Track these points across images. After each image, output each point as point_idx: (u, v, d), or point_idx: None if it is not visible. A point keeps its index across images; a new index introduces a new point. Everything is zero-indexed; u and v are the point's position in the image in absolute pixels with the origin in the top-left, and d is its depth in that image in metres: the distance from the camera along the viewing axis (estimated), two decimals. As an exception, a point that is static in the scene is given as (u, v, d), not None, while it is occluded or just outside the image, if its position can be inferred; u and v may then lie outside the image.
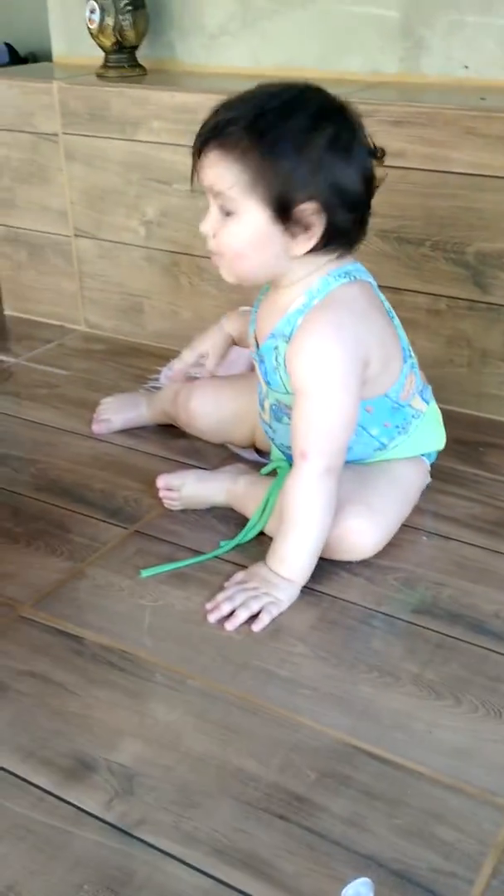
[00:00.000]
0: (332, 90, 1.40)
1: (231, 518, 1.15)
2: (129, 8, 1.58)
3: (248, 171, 0.93)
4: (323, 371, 0.99)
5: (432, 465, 1.19)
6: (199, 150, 0.97)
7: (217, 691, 0.90)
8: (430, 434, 1.16)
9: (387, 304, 1.08)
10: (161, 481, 1.16)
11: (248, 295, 1.29)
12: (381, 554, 1.08)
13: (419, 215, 1.32)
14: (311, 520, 1.00)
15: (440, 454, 1.24)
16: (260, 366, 1.08)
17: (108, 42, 1.61)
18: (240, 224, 0.96)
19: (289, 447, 1.09)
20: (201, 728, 0.86)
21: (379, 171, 0.99)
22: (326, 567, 1.06)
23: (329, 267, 1.01)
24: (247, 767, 0.82)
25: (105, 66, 1.64)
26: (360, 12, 1.47)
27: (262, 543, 1.10)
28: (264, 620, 0.97)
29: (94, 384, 1.53)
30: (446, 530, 1.14)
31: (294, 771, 0.81)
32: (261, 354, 1.07)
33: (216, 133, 0.95)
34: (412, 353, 1.10)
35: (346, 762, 0.82)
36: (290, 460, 1.09)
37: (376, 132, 1.30)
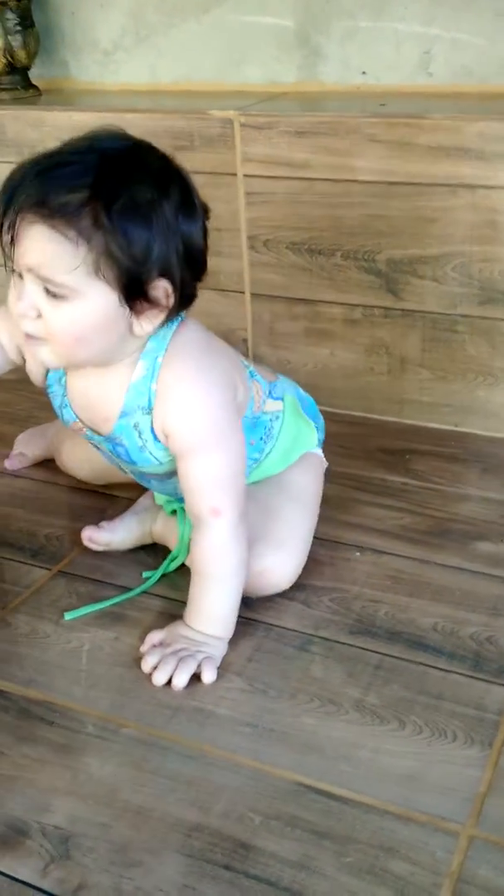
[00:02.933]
0: (231, 102, 1.39)
1: (158, 548, 1.11)
2: (19, 28, 1.54)
3: (92, 251, 0.80)
4: (209, 423, 0.91)
5: (343, 474, 1.15)
6: (14, 219, 0.81)
7: (153, 738, 0.86)
8: (299, 429, 1.08)
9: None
10: (85, 538, 1.10)
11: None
12: (314, 574, 1.05)
13: (328, 225, 1.31)
14: (231, 574, 0.94)
15: (366, 465, 1.23)
16: (115, 448, 0.97)
17: (-2, 64, 1.56)
18: (77, 308, 0.83)
19: (172, 495, 1.04)
20: (138, 779, 0.82)
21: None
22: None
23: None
24: (188, 817, 0.78)
25: (-3, 88, 1.59)
26: (255, 22, 1.46)
27: (186, 573, 1.06)
28: (212, 673, 0.91)
29: (7, 416, 1.47)
30: (378, 544, 1.12)
31: (238, 816, 0.78)
32: (114, 438, 0.95)
33: (45, 205, 0.79)
34: (245, 362, 1.04)
35: (292, 801, 0.79)
36: (181, 501, 1.03)
37: (278, 143, 1.30)
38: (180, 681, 0.90)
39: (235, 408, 0.95)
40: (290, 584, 1.02)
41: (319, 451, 1.13)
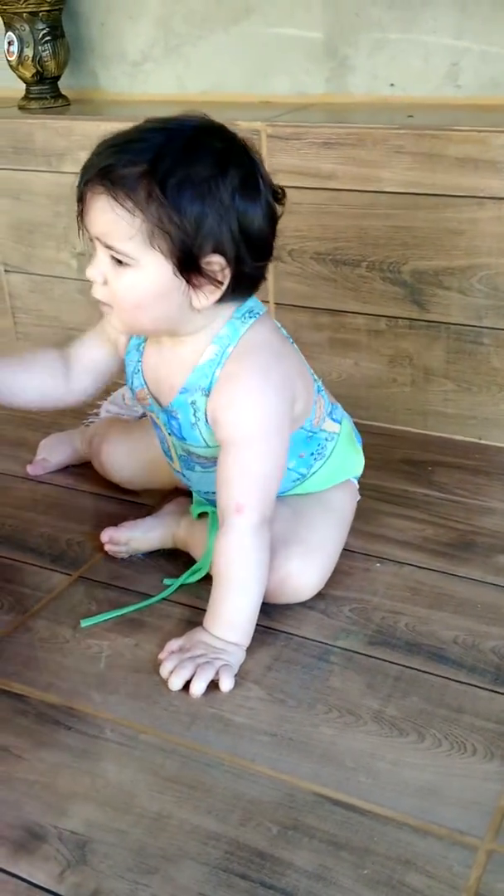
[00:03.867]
0: (259, 113, 1.40)
1: (179, 556, 1.11)
2: (48, 38, 1.55)
3: (147, 222, 0.85)
4: (257, 421, 0.93)
5: (365, 485, 1.16)
6: (83, 195, 0.88)
7: (171, 744, 0.86)
8: (348, 455, 1.10)
9: (283, 330, 1.03)
10: (105, 536, 1.11)
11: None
12: (335, 584, 1.05)
13: (353, 236, 1.31)
14: (251, 579, 0.94)
15: (389, 476, 1.23)
16: (169, 421, 1.00)
17: (28, 73, 1.57)
18: (138, 275, 0.88)
19: (208, 493, 1.05)
20: (156, 786, 0.82)
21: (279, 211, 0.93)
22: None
23: (232, 309, 0.95)
24: (205, 825, 0.78)
25: (27, 97, 1.61)
26: (284, 34, 1.46)
27: (208, 582, 1.06)
28: (230, 681, 0.91)
29: (31, 422, 1.48)
30: (399, 555, 1.12)
31: (255, 825, 0.78)
32: (171, 410, 0.98)
33: (108, 178, 0.85)
34: (315, 376, 1.06)
35: (309, 811, 0.79)
36: (212, 502, 1.04)
37: (305, 154, 1.30)
38: (197, 688, 0.90)
39: (289, 417, 0.97)
40: (313, 594, 1.02)
41: (356, 484, 1.14)
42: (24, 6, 1.51)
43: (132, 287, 0.89)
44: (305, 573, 1.00)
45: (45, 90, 1.60)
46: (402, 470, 1.29)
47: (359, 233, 1.30)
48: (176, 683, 0.91)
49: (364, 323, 1.36)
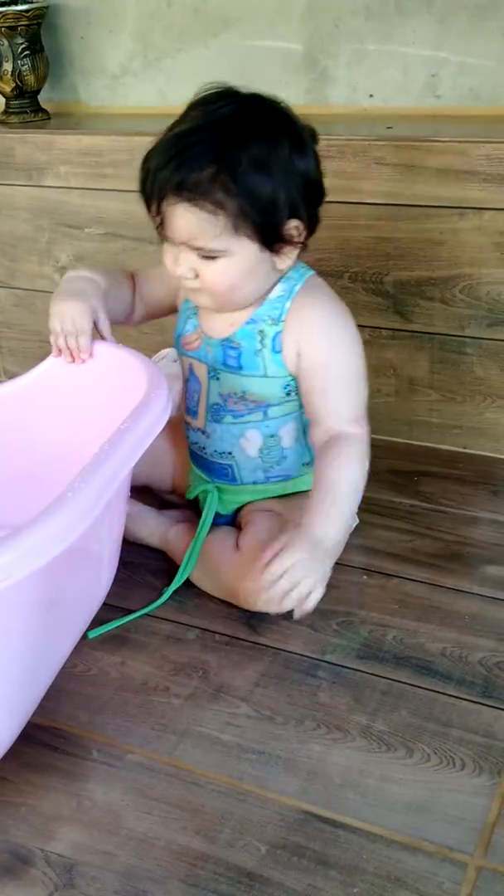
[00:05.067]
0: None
1: (165, 571, 1.11)
2: (28, 52, 1.55)
3: (230, 216, 0.91)
4: (342, 337, 1.00)
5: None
6: (159, 203, 0.93)
7: (158, 764, 0.85)
8: None
9: None
10: None
11: (167, 336, 1.26)
12: (322, 598, 1.03)
13: (335, 247, 1.31)
14: (362, 487, 0.99)
15: (375, 487, 1.22)
16: (225, 353, 1.03)
17: (7, 88, 1.57)
18: (229, 263, 0.94)
19: (223, 453, 1.07)
20: (143, 806, 0.81)
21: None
22: (266, 617, 1.02)
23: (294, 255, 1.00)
24: (193, 846, 0.77)
25: (7, 112, 1.60)
26: (263, 46, 1.46)
27: (199, 596, 1.06)
28: (313, 600, 0.92)
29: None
30: (387, 567, 1.11)
31: (243, 845, 0.77)
32: (231, 341, 1.02)
33: (184, 190, 0.90)
34: None
35: (298, 830, 0.78)
36: (219, 473, 1.08)
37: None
38: (314, 598, 0.92)
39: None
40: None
41: None
42: (2, 21, 1.51)
43: (224, 273, 0.94)
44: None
45: (25, 104, 1.59)
46: (388, 480, 1.29)
47: (341, 244, 1.30)
48: (285, 587, 0.90)
49: (348, 334, 1.36)
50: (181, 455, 1.17)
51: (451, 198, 1.22)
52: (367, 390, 1.02)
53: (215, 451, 1.09)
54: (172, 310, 1.14)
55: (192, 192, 0.90)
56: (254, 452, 1.06)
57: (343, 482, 0.97)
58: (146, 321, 1.18)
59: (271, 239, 0.94)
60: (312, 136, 0.97)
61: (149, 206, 0.95)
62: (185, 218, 0.92)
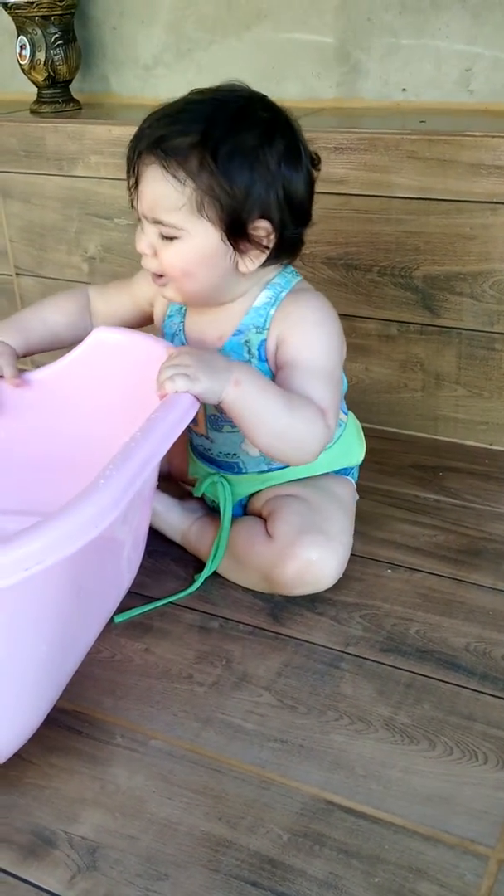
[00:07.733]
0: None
1: (188, 560, 1.11)
2: (60, 42, 1.55)
3: (197, 191, 0.89)
4: (320, 334, 0.97)
5: (376, 490, 1.17)
6: (137, 162, 0.92)
7: (181, 750, 0.86)
8: (352, 444, 1.12)
9: None
10: None
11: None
12: (345, 591, 1.05)
13: (364, 241, 1.30)
14: (294, 420, 0.91)
15: (399, 481, 1.22)
16: None
17: (40, 77, 1.58)
18: (185, 244, 0.92)
19: (228, 454, 1.07)
20: (166, 792, 0.82)
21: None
22: (290, 608, 1.02)
23: (274, 273, 1.00)
24: (215, 832, 0.78)
25: (39, 101, 1.61)
26: (295, 39, 1.46)
27: (223, 586, 1.06)
28: (182, 385, 0.86)
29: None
30: (410, 561, 1.11)
31: (265, 832, 0.77)
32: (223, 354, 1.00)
33: (160, 148, 0.89)
34: None
35: (320, 819, 0.78)
36: (226, 469, 1.08)
37: (317, 159, 1.30)
38: (180, 384, 0.86)
39: (344, 345, 1.00)
40: (332, 583, 1.02)
41: (354, 483, 1.15)
42: (35, 10, 1.52)
43: (180, 256, 0.92)
44: (328, 560, 1.00)
45: (57, 94, 1.60)
46: (413, 475, 1.29)
47: (370, 238, 1.30)
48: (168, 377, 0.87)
49: (375, 328, 1.36)
50: (179, 444, 1.15)
51: (483, 193, 1.21)
52: (339, 395, 0.99)
53: (220, 452, 1.09)
54: (146, 319, 1.13)
55: (166, 154, 0.89)
56: (257, 453, 1.06)
57: (287, 408, 0.91)
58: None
59: (235, 231, 0.91)
60: (313, 160, 0.96)
61: (129, 166, 0.93)
62: (154, 179, 0.90)
